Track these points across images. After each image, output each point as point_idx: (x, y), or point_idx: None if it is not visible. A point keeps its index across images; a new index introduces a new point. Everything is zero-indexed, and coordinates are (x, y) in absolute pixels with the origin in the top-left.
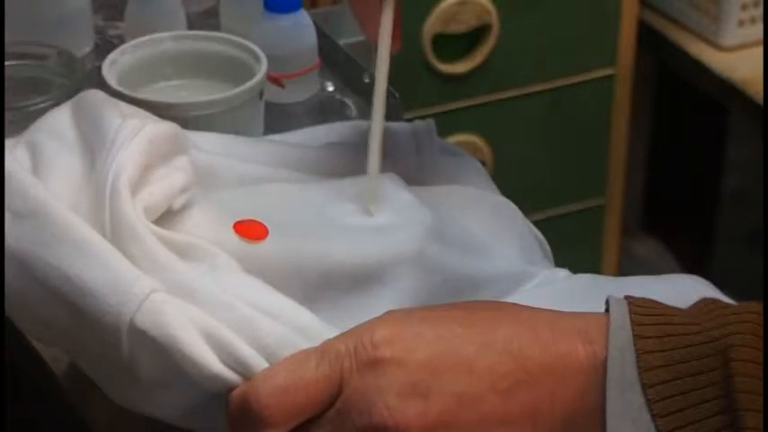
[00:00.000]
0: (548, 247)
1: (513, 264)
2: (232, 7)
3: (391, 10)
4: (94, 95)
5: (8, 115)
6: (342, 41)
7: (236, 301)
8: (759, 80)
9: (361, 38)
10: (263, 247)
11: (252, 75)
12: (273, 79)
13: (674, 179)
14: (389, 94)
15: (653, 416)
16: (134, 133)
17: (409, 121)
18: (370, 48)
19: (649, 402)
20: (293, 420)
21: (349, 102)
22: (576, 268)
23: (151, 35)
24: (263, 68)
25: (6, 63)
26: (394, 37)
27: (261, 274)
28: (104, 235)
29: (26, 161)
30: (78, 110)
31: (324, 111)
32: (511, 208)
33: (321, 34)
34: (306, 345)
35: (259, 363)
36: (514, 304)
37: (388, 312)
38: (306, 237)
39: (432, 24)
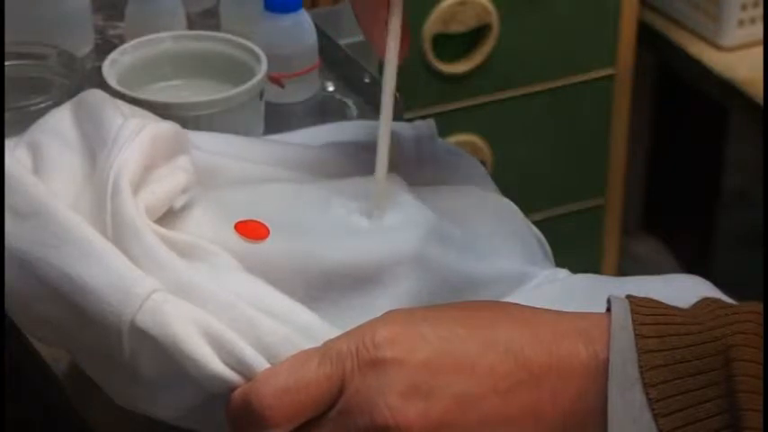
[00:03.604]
0: (548, 248)
1: (513, 264)
2: (232, 7)
3: (399, 18)
4: (95, 95)
5: (8, 115)
6: (342, 41)
7: (237, 300)
8: (759, 80)
9: (361, 38)
10: (264, 247)
11: (252, 75)
12: (273, 79)
13: (674, 179)
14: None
15: (654, 415)
16: (135, 133)
17: (409, 121)
18: (371, 48)
19: (651, 401)
20: (295, 421)
21: (349, 102)
22: (575, 268)
23: (151, 35)
24: (263, 68)
25: (6, 63)
26: (402, 45)
27: (262, 274)
28: (106, 234)
29: (27, 161)
30: (79, 110)
31: (324, 111)
32: (511, 208)
33: (321, 34)
34: (307, 345)
35: (260, 363)
36: (515, 304)
37: (390, 312)
38: (307, 237)
39: (432, 24)
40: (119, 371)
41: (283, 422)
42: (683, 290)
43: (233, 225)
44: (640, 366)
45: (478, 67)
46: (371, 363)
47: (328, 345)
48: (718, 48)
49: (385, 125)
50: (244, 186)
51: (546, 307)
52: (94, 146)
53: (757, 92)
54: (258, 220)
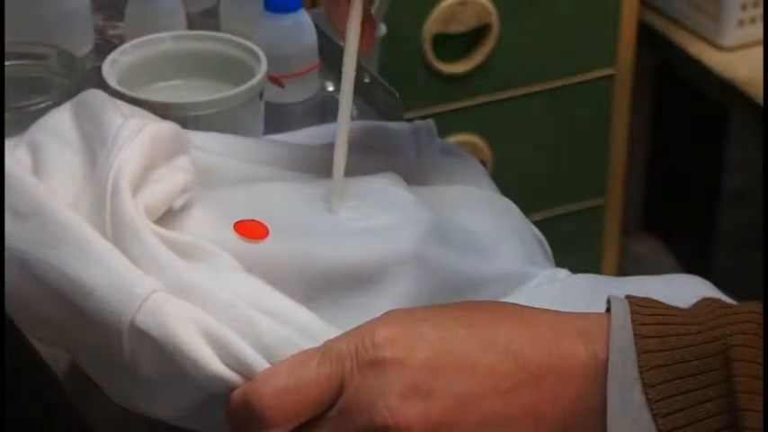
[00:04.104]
0: (548, 248)
1: (513, 264)
2: (232, 7)
3: (359, 11)
4: (95, 95)
5: (8, 115)
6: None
7: (236, 300)
8: (759, 80)
9: None
10: (264, 247)
11: (252, 75)
12: (273, 79)
13: (674, 179)
14: (389, 94)
15: (653, 415)
16: (135, 133)
17: (409, 121)
18: (337, 35)
19: (650, 402)
20: (294, 420)
21: None
22: (576, 268)
23: (151, 35)
24: (263, 68)
25: (6, 63)
26: (365, 33)
27: (261, 273)
28: (105, 234)
29: (27, 161)
30: (79, 110)
31: (324, 111)
32: (511, 208)
33: (321, 34)
34: (307, 345)
35: (260, 363)
36: (515, 304)
37: (389, 312)
38: (306, 236)
39: (432, 24)
40: (119, 371)
41: (283, 422)
42: (683, 290)
43: (232, 225)
44: (640, 366)
45: (478, 67)
46: (371, 363)
47: (328, 345)
48: (718, 48)
49: (345, 108)
50: (243, 186)
51: (546, 307)
52: (94, 146)
53: (757, 92)
54: (257, 219)
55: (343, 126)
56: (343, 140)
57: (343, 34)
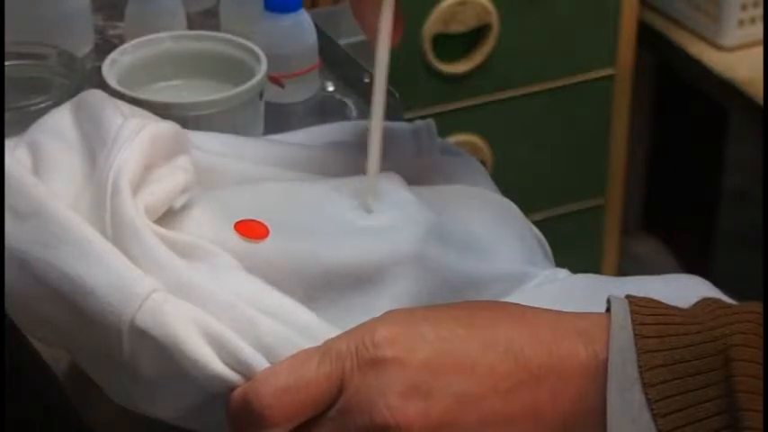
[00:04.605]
0: (548, 248)
1: (513, 264)
2: (232, 7)
3: (391, 6)
4: (95, 95)
5: (8, 115)
6: (342, 41)
7: (236, 300)
8: (759, 80)
9: (361, 38)
10: (264, 247)
11: (252, 75)
12: (273, 79)
13: (674, 179)
14: (389, 94)
15: (653, 415)
16: (135, 133)
17: (409, 121)
18: (371, 47)
19: (650, 402)
20: (294, 420)
21: (349, 102)
22: (575, 268)
23: (151, 35)
24: (263, 68)
25: (6, 63)
26: (395, 30)
27: (261, 273)
28: (105, 234)
29: (27, 161)
30: (79, 110)
31: (324, 111)
32: (511, 208)
33: (321, 34)
34: (307, 344)
35: (260, 362)
36: (516, 304)
37: (389, 312)
38: (306, 236)
39: (432, 24)
40: (119, 371)
41: (283, 422)
42: (683, 290)
43: (233, 225)
44: (640, 366)
45: (478, 67)
46: (371, 362)
47: (328, 344)
48: (718, 48)
49: (378, 114)
50: (243, 186)
51: (546, 307)
52: (94, 146)
53: (757, 92)
54: (258, 219)
55: (376, 121)
56: (376, 135)
57: (368, 29)
